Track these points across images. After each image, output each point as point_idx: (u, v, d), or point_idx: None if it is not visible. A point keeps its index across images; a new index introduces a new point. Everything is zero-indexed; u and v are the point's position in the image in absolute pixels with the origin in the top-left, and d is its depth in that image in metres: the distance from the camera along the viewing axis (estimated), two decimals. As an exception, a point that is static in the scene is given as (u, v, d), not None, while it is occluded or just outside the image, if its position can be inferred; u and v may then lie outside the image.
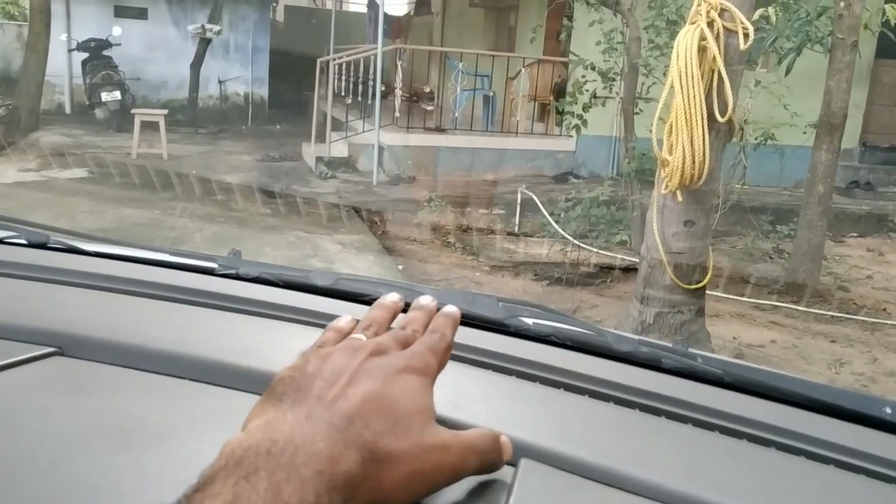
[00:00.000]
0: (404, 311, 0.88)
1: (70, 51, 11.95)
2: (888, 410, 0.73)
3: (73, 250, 0.97)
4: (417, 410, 0.50)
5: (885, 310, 5.71)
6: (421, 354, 0.54)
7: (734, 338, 4.86)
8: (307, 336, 0.78)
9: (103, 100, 11.04)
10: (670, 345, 0.89)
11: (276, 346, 0.73)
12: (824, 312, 5.39)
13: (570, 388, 0.71)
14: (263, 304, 0.84)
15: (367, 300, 0.88)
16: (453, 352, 0.77)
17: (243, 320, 0.81)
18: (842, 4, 5.55)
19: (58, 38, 11.36)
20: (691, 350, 0.88)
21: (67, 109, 12.57)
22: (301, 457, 0.42)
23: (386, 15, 10.01)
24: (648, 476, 0.56)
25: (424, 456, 0.48)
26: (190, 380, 0.67)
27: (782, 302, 5.58)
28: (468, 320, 0.85)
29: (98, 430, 0.58)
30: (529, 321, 0.85)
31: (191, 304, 0.84)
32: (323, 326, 0.80)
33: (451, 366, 0.74)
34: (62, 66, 12.18)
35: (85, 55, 11.65)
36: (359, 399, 0.48)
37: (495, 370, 0.74)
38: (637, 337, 0.86)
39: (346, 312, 0.84)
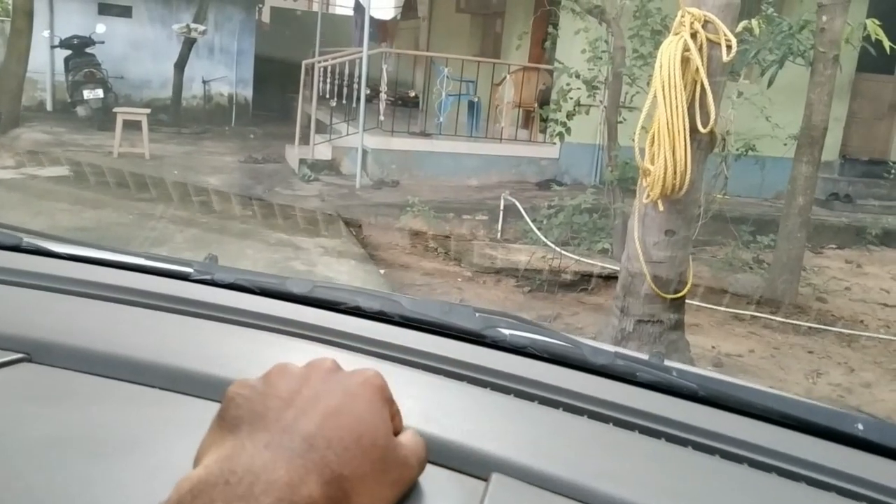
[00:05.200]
0: (382, 320, 0.88)
1: (52, 47, 11.83)
2: (860, 427, 0.73)
3: (46, 253, 0.96)
4: (379, 424, 0.49)
5: (862, 321, 5.77)
6: (376, 372, 0.53)
7: (713, 347, 4.90)
8: (282, 345, 0.77)
9: (85, 98, 10.94)
10: (646, 357, 0.89)
11: (251, 356, 0.73)
12: (802, 324, 5.44)
13: (544, 402, 0.71)
14: (238, 311, 0.83)
15: (343, 308, 0.88)
16: (428, 363, 0.77)
17: (217, 328, 0.80)
18: (823, 18, 5.61)
19: (40, 34, 11.26)
20: (667, 363, 0.88)
21: (49, 107, 12.44)
22: (260, 485, 0.41)
23: (372, 18, 10.00)
24: (619, 492, 0.56)
25: (387, 473, 0.48)
26: (162, 389, 0.66)
27: (761, 312, 5.63)
28: (444, 331, 0.85)
29: (65, 439, 0.57)
30: (506, 332, 0.84)
31: (164, 311, 0.82)
32: (298, 335, 0.80)
33: (426, 377, 0.74)
34: (44, 63, 12.06)
35: (67, 52, 11.53)
36: (319, 417, 0.46)
37: (470, 382, 0.74)
38: (613, 349, 0.86)
39: (323, 321, 0.84)
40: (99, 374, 0.67)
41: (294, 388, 0.49)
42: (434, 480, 0.54)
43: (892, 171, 9.76)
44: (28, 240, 0.97)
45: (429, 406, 0.64)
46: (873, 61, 7.90)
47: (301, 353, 0.75)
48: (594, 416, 0.70)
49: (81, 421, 0.60)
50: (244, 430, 0.46)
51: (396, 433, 0.52)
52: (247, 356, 0.72)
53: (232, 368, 0.68)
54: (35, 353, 0.69)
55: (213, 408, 0.63)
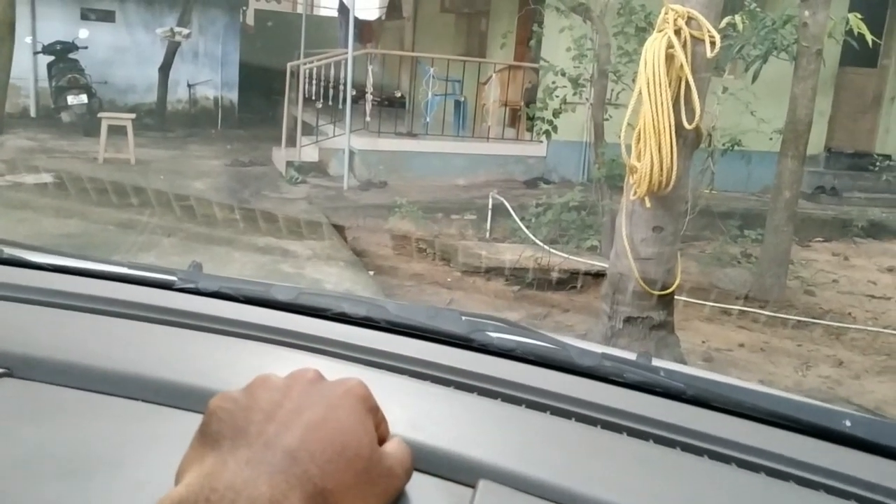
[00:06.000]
0: (368, 326, 0.88)
1: (35, 53, 11.74)
2: (848, 423, 0.74)
3: (26, 264, 0.94)
4: (363, 435, 0.48)
5: (849, 314, 5.80)
6: (360, 381, 0.53)
7: (703, 342, 4.91)
8: (267, 354, 0.77)
9: (69, 103, 10.86)
10: (634, 357, 0.89)
11: (236, 366, 0.72)
12: (791, 317, 5.46)
13: (531, 405, 0.71)
14: (223, 320, 0.83)
15: (329, 315, 0.87)
16: (415, 368, 0.76)
17: (202, 338, 0.79)
18: (806, 13, 5.64)
19: (22, 40, 11.17)
20: (655, 363, 0.88)
21: (33, 113, 12.34)
22: (242, 501, 0.41)
23: (357, 19, 9.97)
24: (607, 496, 0.56)
25: (373, 485, 0.47)
26: (146, 402, 0.65)
27: (750, 306, 5.65)
28: (431, 335, 0.85)
29: (48, 456, 0.56)
30: (493, 336, 0.84)
31: (148, 322, 0.82)
32: (284, 344, 0.80)
33: (413, 384, 0.73)
34: (27, 69, 11.96)
35: (50, 58, 11.45)
36: (301, 430, 0.46)
37: (457, 387, 0.73)
38: (601, 350, 0.86)
39: (308, 328, 0.84)
40: (82, 388, 0.66)
41: (276, 400, 0.48)
42: (421, 489, 0.54)
43: (877, 163, 9.83)
44: (8, 251, 0.96)
45: (416, 413, 0.64)
46: (856, 55, 7.95)
47: (287, 361, 0.74)
48: (582, 418, 0.70)
49: (64, 437, 0.60)
50: (225, 445, 0.45)
51: (382, 441, 0.52)
52: (232, 366, 0.72)
53: (217, 379, 0.68)
54: (16, 367, 0.68)
55: (197, 420, 0.62)
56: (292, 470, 0.43)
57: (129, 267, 0.97)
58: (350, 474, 0.45)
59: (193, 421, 0.62)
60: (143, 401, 0.65)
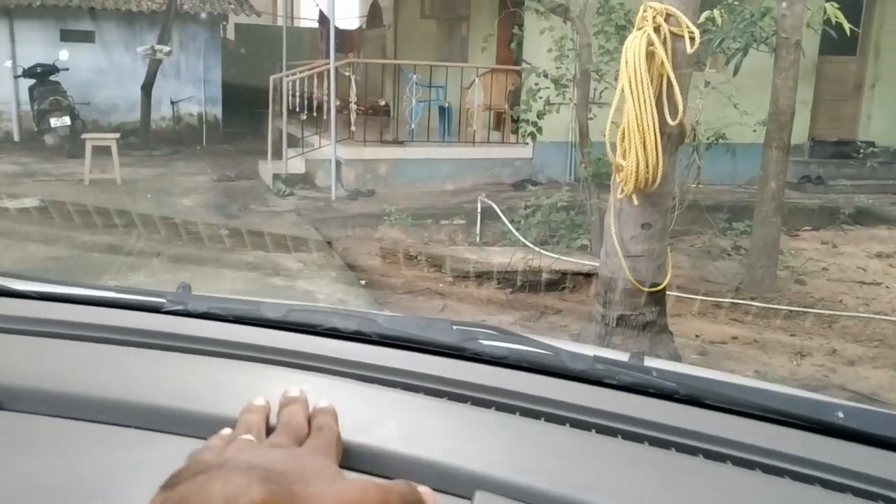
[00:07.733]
0: (359, 340, 0.87)
1: (16, 77, 11.72)
2: (840, 415, 0.74)
3: (10, 293, 0.94)
4: (326, 467, 0.50)
5: (840, 301, 5.82)
6: (320, 439, 0.55)
7: (696, 336, 4.92)
8: (258, 374, 0.76)
9: (52, 126, 10.82)
10: (626, 359, 0.89)
11: (227, 388, 0.72)
12: (782, 307, 5.48)
13: (525, 413, 0.71)
14: (213, 341, 0.82)
15: (319, 331, 0.87)
16: (408, 381, 0.76)
17: (193, 361, 0.79)
18: (784, 5, 5.67)
19: (2, 64, 11.14)
20: (647, 363, 0.88)
21: (16, 137, 12.30)
22: (195, 502, 0.41)
23: (337, 29, 9.97)
24: (604, 501, 0.56)
25: (343, 491, 0.47)
26: (138, 428, 0.65)
27: (742, 298, 5.67)
28: (423, 347, 0.84)
29: (40, 488, 0.56)
30: (485, 344, 0.84)
31: (138, 346, 0.81)
32: (274, 363, 0.79)
33: (406, 397, 0.73)
34: (8, 94, 11.94)
35: (32, 81, 11.41)
36: (254, 453, 0.49)
37: (450, 398, 0.73)
38: (592, 353, 0.86)
39: (300, 345, 0.83)
40: (74, 417, 0.66)
41: (216, 445, 0.51)
42: None
43: (861, 150, 9.89)
44: (-7, 280, 0.95)
45: (410, 427, 0.64)
46: (835, 43, 7.99)
47: (278, 380, 0.74)
48: (576, 424, 0.70)
49: (56, 468, 0.59)
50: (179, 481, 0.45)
51: None
52: (224, 388, 0.71)
53: (209, 402, 0.67)
54: (5, 399, 0.67)
55: (190, 444, 0.62)
56: (250, 471, 0.44)
57: (117, 291, 0.96)
58: (315, 487, 0.46)
59: (187, 446, 0.62)
60: (136, 427, 0.65)
